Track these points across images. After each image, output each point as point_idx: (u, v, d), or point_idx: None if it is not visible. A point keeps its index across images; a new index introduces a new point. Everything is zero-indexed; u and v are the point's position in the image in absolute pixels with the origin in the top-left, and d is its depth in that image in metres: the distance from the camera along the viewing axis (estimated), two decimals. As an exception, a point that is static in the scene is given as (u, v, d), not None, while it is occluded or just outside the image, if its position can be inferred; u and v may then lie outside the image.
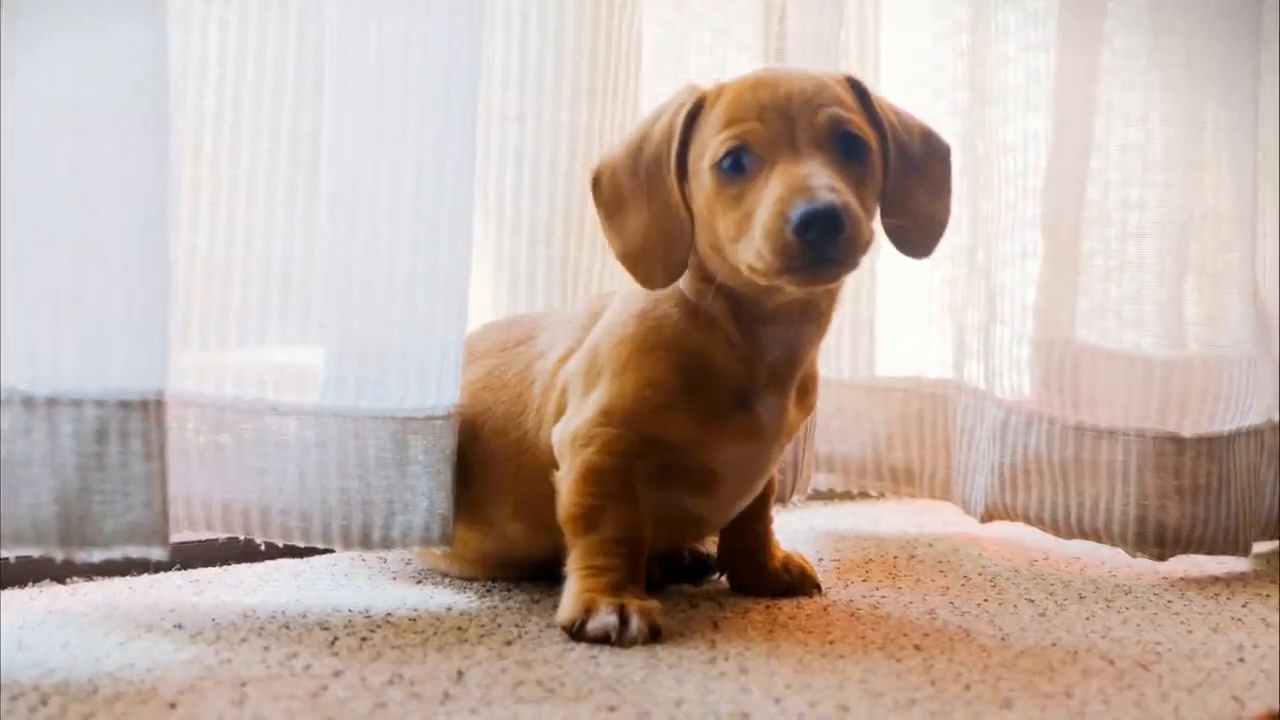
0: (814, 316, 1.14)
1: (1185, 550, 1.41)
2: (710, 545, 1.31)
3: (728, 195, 1.06)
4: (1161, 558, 1.41)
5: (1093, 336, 1.47)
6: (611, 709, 0.89)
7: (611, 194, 1.13)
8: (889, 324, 1.66)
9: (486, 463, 1.19)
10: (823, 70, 1.12)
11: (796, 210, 1.00)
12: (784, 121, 1.06)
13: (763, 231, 1.02)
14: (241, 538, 1.18)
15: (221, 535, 1.18)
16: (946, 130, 1.55)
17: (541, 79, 1.38)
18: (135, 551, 1.00)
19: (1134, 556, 1.42)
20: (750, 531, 1.25)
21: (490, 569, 1.27)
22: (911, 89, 1.63)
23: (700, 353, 1.12)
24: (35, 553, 0.99)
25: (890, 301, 1.66)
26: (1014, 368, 1.48)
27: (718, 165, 1.07)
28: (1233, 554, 1.43)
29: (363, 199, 1.15)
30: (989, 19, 1.50)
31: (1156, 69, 1.45)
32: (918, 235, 1.14)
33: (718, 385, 1.12)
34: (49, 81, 0.97)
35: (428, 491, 1.16)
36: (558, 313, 1.28)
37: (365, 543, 1.16)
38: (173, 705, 0.88)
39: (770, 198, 1.03)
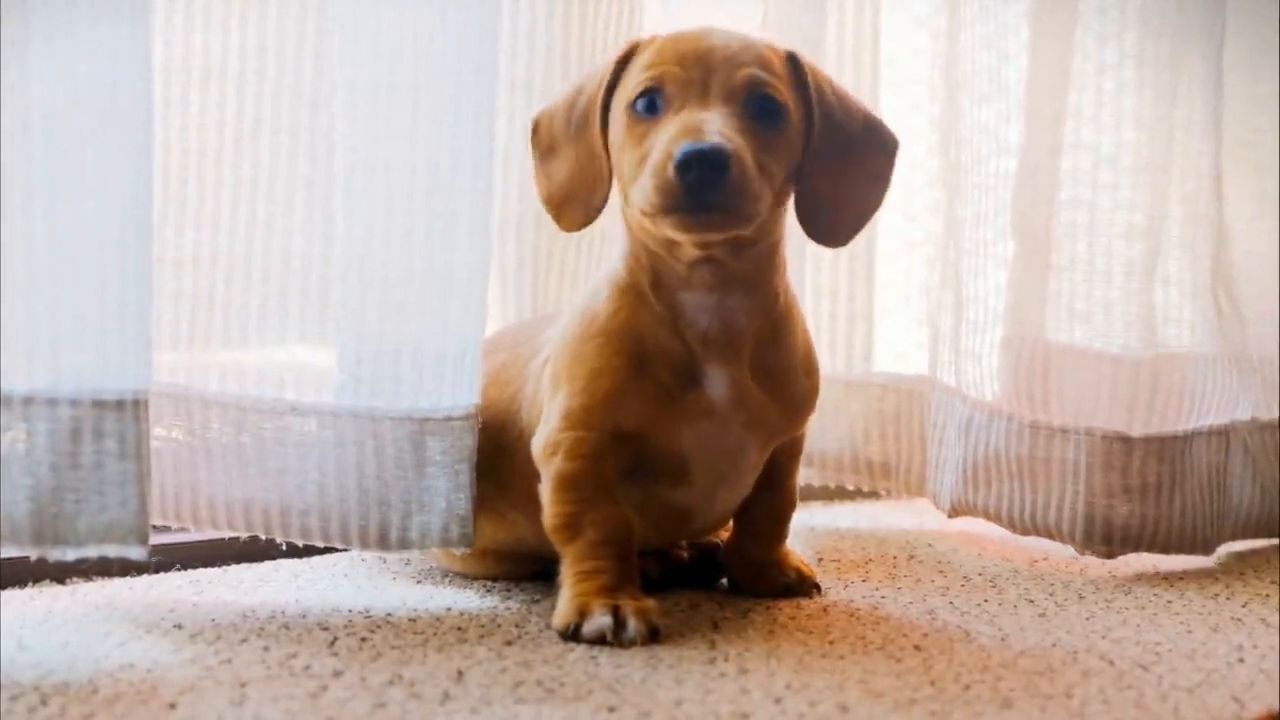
0: (739, 284, 1.12)
1: (1135, 549, 1.41)
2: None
3: (635, 135, 1.07)
4: (1110, 555, 1.42)
5: (1060, 335, 1.47)
6: (611, 709, 0.89)
7: (547, 140, 1.16)
8: (873, 320, 1.65)
9: (496, 455, 1.19)
10: (760, 37, 1.13)
11: (680, 149, 1.01)
12: (702, 71, 1.07)
13: (650, 170, 1.03)
14: (245, 536, 1.19)
15: (244, 534, 1.19)
16: (939, 126, 1.57)
17: (513, 75, 1.38)
18: (112, 551, 1.00)
19: (1082, 554, 1.43)
20: (756, 534, 1.24)
21: (504, 563, 1.27)
22: (908, 86, 1.63)
23: (634, 330, 1.12)
24: (9, 551, 0.99)
25: (877, 298, 1.65)
26: (978, 365, 1.48)
27: (631, 105, 1.08)
28: (1190, 553, 1.43)
29: (378, 196, 1.15)
30: (965, 25, 1.50)
31: (1126, 70, 1.45)
32: (830, 219, 1.14)
33: (658, 362, 1.12)
34: (24, 78, 0.97)
35: (445, 492, 1.17)
36: (559, 314, 1.28)
37: (383, 543, 1.17)
38: (173, 705, 0.88)
39: (664, 137, 1.04)
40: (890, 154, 1.17)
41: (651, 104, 1.07)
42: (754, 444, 1.16)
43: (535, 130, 1.17)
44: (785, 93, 1.09)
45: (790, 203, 1.14)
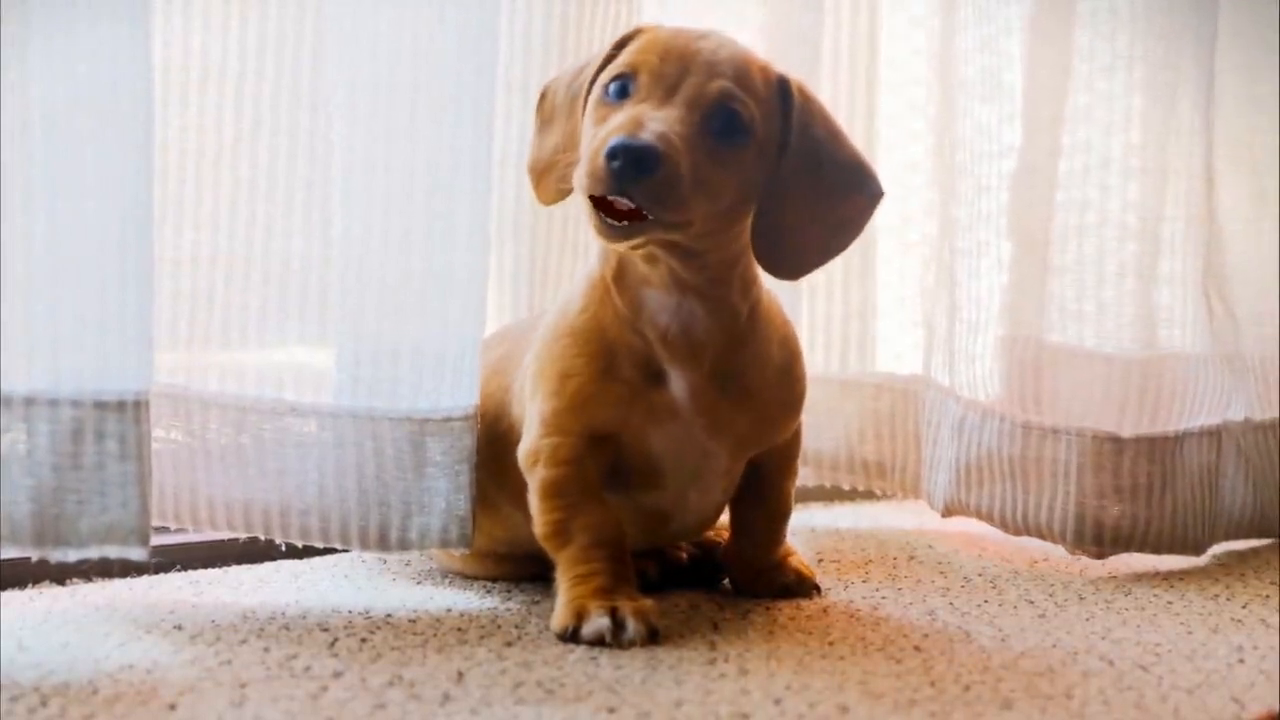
0: (694, 292, 1.11)
1: (1126, 549, 1.42)
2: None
3: (599, 116, 1.07)
4: (1100, 556, 1.42)
5: (1055, 335, 1.48)
6: (611, 710, 0.89)
7: (548, 110, 1.17)
8: (868, 320, 1.66)
9: (492, 447, 1.20)
10: (757, 56, 1.12)
11: (614, 139, 1.01)
12: (678, 70, 1.06)
13: (588, 152, 1.03)
14: (245, 537, 1.19)
15: (243, 535, 1.19)
16: (935, 127, 1.57)
17: (510, 78, 1.38)
18: (113, 551, 1.00)
19: (1073, 554, 1.44)
20: (753, 538, 1.24)
21: (504, 565, 1.26)
22: (906, 87, 1.62)
23: (600, 328, 1.12)
24: (10, 551, 1.00)
25: (874, 298, 1.65)
26: (972, 365, 1.48)
27: (605, 86, 1.08)
28: (1181, 553, 1.44)
29: (377, 197, 1.15)
30: (962, 27, 1.50)
31: (1121, 72, 1.45)
32: (789, 251, 1.12)
33: (623, 359, 1.12)
34: (24, 78, 0.97)
35: (445, 493, 1.17)
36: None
37: (383, 544, 1.17)
38: (173, 706, 0.88)
39: (611, 124, 1.04)
40: (871, 202, 1.14)
41: (623, 89, 1.07)
42: (722, 450, 1.15)
43: (542, 98, 1.18)
44: (757, 113, 1.07)
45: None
